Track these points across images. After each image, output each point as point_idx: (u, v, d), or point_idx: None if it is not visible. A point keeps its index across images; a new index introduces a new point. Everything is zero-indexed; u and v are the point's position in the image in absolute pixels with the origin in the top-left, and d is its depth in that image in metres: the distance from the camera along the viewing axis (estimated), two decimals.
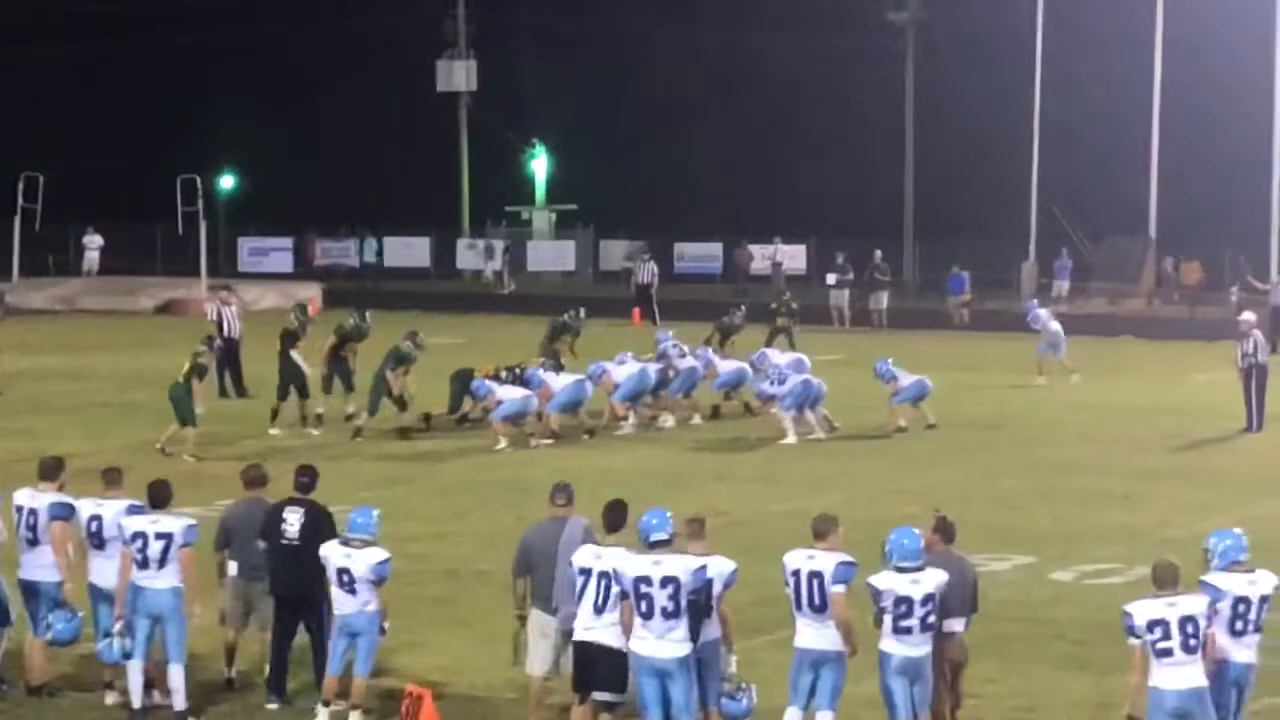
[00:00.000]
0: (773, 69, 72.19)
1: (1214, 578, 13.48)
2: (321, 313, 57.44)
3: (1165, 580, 13.20)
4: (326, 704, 15.05)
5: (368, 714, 15.01)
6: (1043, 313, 40.67)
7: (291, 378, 30.99)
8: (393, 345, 30.63)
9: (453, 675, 16.40)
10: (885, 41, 65.70)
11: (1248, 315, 33.20)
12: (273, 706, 15.50)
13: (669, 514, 14.07)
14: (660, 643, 13.59)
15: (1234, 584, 13.45)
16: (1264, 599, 13.51)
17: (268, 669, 15.80)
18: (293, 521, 15.51)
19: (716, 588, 13.86)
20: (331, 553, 14.97)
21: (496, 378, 30.39)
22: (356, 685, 14.91)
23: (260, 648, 16.25)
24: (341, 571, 14.87)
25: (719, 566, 13.91)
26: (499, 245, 69.81)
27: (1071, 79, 62.07)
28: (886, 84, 66.22)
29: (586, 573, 14.04)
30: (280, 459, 24.26)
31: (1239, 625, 13.43)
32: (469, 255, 73.07)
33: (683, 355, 33.15)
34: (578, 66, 75.49)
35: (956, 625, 14.11)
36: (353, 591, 14.86)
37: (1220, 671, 13.32)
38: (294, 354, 31.10)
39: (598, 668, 14.00)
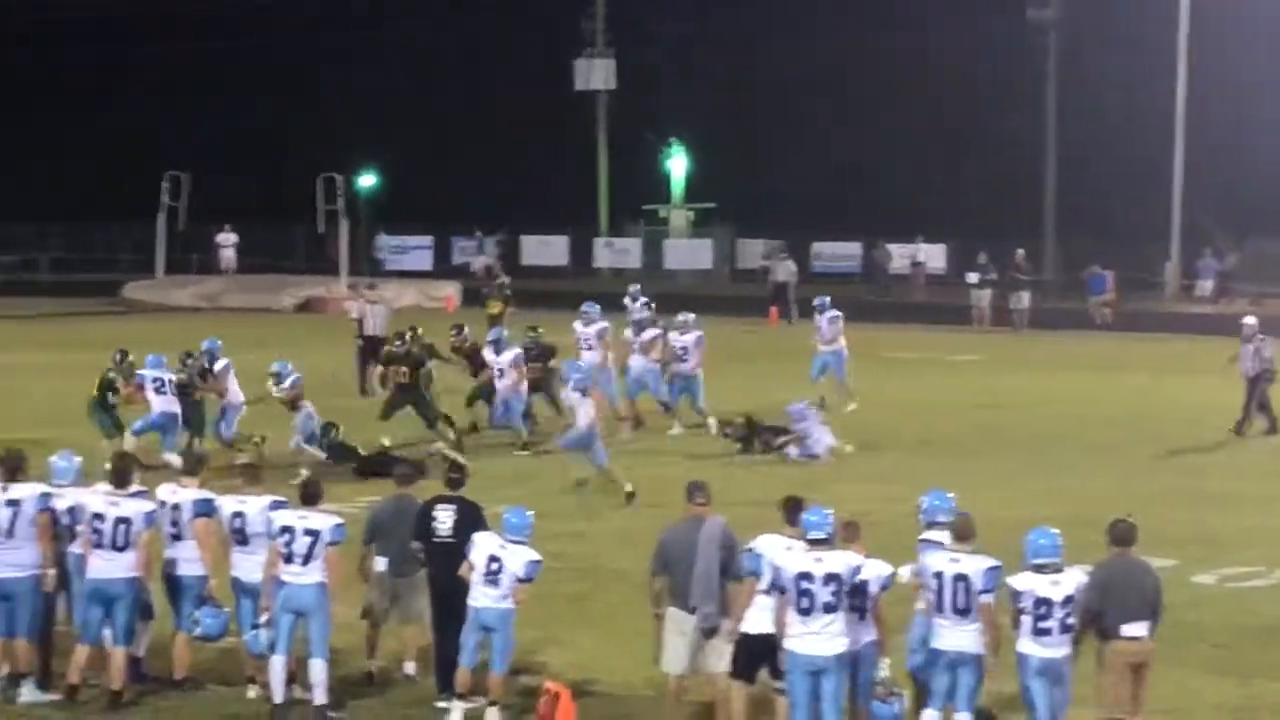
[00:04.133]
0: (914, 67, 71.86)
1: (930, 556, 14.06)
2: (458, 310, 58.21)
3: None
4: (461, 697, 15.15)
5: (505, 709, 15.09)
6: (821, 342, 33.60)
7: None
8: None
9: (588, 673, 16.43)
10: (1027, 39, 65.13)
11: (1251, 319, 32.41)
12: (442, 704, 15.38)
13: (829, 512, 14.09)
14: (818, 639, 13.67)
15: (939, 561, 13.90)
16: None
17: (434, 665, 15.82)
18: (444, 519, 15.60)
19: (873, 589, 13.92)
20: (485, 541, 15.06)
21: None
22: (494, 681, 14.99)
23: (398, 644, 16.37)
24: (492, 559, 14.95)
25: (875, 569, 13.99)
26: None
27: (1217, 77, 61.35)
28: (1028, 82, 65.68)
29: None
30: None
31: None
32: (606, 254, 73.32)
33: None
34: (715, 65, 75.45)
35: (1136, 630, 13.88)
36: (496, 584, 14.93)
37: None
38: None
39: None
